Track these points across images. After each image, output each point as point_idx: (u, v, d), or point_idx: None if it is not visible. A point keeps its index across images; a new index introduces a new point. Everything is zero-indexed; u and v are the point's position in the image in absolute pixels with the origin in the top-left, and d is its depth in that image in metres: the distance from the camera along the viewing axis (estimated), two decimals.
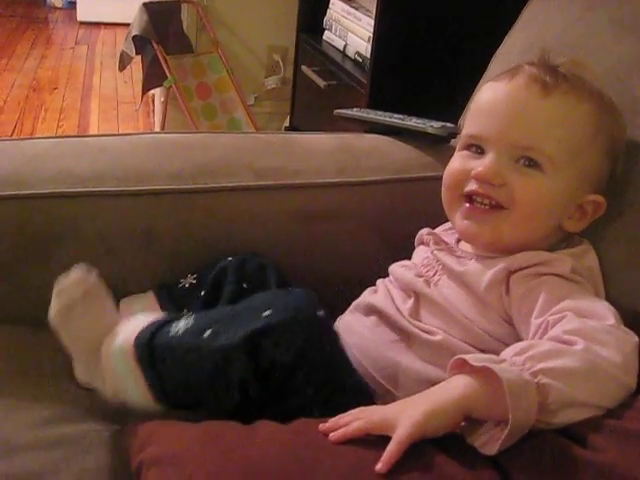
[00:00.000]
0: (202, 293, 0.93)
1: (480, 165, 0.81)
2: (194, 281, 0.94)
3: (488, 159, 0.81)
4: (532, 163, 0.80)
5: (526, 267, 0.79)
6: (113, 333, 0.78)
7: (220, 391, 0.72)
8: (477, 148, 0.84)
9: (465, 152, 0.85)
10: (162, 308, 0.92)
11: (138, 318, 0.80)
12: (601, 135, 0.81)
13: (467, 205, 0.83)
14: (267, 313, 0.72)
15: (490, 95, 0.85)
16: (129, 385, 0.76)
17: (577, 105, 0.81)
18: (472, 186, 0.82)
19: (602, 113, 0.82)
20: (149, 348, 0.75)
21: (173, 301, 0.93)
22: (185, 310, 0.90)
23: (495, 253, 0.82)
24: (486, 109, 0.84)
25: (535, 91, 0.81)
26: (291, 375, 0.72)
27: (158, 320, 0.78)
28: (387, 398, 0.79)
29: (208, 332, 0.73)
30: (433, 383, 0.73)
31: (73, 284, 0.80)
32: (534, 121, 0.80)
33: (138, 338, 0.76)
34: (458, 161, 0.85)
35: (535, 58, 0.87)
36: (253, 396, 0.72)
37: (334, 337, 0.77)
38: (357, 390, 0.78)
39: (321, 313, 0.75)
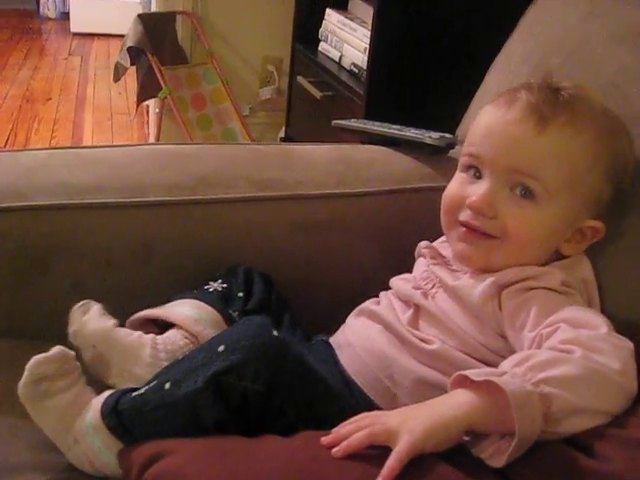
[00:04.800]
0: (240, 295, 0.92)
1: (474, 194, 0.82)
2: (224, 285, 0.93)
3: (483, 188, 0.81)
4: (528, 193, 0.80)
5: (516, 282, 0.79)
6: (84, 412, 0.76)
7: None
8: (476, 171, 0.84)
9: (464, 175, 0.86)
10: (211, 306, 0.90)
11: (104, 393, 0.77)
12: (602, 162, 0.81)
13: (463, 229, 0.83)
14: (221, 348, 0.71)
15: (486, 122, 0.85)
16: (110, 458, 0.74)
17: (575, 137, 0.80)
18: (465, 216, 0.83)
19: (603, 140, 0.81)
20: (116, 414, 0.73)
21: (216, 300, 0.90)
22: (231, 311, 0.89)
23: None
24: (483, 134, 0.84)
25: (530, 126, 0.80)
26: (267, 402, 0.71)
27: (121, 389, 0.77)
28: (387, 397, 0.81)
29: (168, 384, 0.72)
30: (432, 385, 0.77)
31: (46, 361, 0.76)
32: (529, 156, 0.80)
33: (104, 408, 0.74)
34: (456, 185, 0.86)
35: (538, 78, 0.86)
36: (234, 430, 0.71)
37: (297, 352, 0.75)
38: (336, 396, 0.78)
39: (276, 333, 0.74)
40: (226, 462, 0.63)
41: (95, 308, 0.85)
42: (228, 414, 0.70)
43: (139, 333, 0.85)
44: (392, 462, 0.61)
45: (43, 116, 3.37)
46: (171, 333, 0.86)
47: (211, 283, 0.93)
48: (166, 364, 0.80)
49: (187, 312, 0.88)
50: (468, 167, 0.85)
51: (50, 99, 3.60)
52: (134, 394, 0.74)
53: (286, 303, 0.96)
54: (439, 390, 0.70)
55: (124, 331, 0.85)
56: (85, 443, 0.75)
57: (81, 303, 0.85)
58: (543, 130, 0.79)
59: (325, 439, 0.65)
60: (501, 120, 0.82)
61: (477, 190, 0.82)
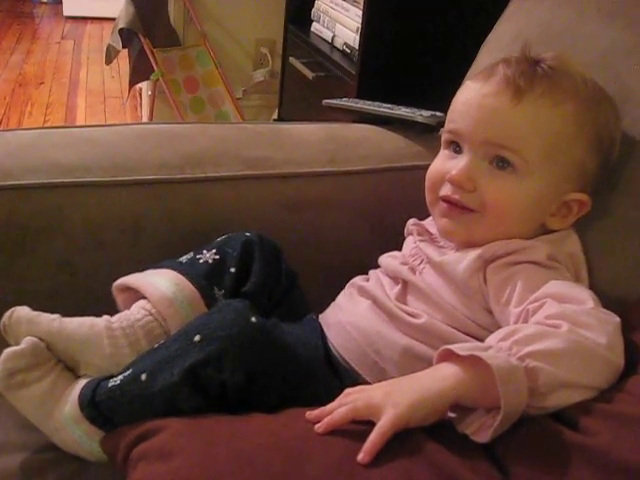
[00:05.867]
0: (232, 270, 0.88)
1: (454, 168, 0.82)
2: (216, 256, 0.88)
3: (462, 162, 0.81)
4: (506, 165, 0.80)
5: (501, 256, 0.79)
6: (61, 402, 0.75)
7: None
8: (456, 146, 0.84)
9: (445, 151, 0.86)
10: (193, 284, 0.86)
11: (80, 382, 0.77)
12: (584, 133, 0.80)
13: (444, 204, 0.84)
14: (197, 338, 0.70)
15: (465, 97, 0.85)
16: (92, 446, 0.74)
17: (553, 108, 0.79)
18: (446, 191, 0.83)
19: (585, 111, 0.81)
20: (94, 405, 0.73)
21: (201, 276, 0.86)
22: (216, 289, 0.86)
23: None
24: (460, 109, 0.85)
25: (506, 98, 0.80)
26: (247, 391, 0.71)
27: (95, 377, 0.76)
28: (376, 372, 0.80)
29: (144, 376, 0.71)
30: (420, 357, 0.77)
31: (18, 355, 0.75)
32: (506, 128, 0.80)
33: (81, 399, 0.74)
34: (438, 162, 0.87)
35: (516, 52, 0.86)
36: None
37: (277, 338, 0.74)
38: (320, 378, 0.78)
39: (254, 319, 0.72)
40: (210, 439, 0.63)
41: (26, 312, 0.79)
42: (207, 403, 0.70)
43: (90, 321, 0.80)
44: (375, 436, 0.61)
45: (36, 100, 3.36)
46: (132, 310, 0.83)
47: (204, 252, 0.89)
48: (128, 350, 0.78)
49: (164, 289, 0.83)
50: (449, 143, 0.85)
51: (43, 83, 3.59)
52: (110, 384, 0.73)
53: (294, 279, 0.93)
54: (427, 363, 0.69)
55: (72, 323, 0.79)
56: (66, 433, 0.75)
57: (8, 313, 0.79)
58: (519, 102, 0.79)
59: (310, 414, 0.66)
60: (478, 94, 0.82)
61: (457, 165, 0.82)
